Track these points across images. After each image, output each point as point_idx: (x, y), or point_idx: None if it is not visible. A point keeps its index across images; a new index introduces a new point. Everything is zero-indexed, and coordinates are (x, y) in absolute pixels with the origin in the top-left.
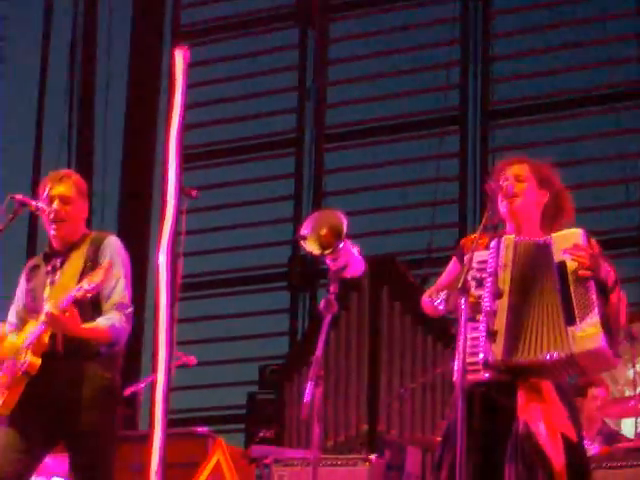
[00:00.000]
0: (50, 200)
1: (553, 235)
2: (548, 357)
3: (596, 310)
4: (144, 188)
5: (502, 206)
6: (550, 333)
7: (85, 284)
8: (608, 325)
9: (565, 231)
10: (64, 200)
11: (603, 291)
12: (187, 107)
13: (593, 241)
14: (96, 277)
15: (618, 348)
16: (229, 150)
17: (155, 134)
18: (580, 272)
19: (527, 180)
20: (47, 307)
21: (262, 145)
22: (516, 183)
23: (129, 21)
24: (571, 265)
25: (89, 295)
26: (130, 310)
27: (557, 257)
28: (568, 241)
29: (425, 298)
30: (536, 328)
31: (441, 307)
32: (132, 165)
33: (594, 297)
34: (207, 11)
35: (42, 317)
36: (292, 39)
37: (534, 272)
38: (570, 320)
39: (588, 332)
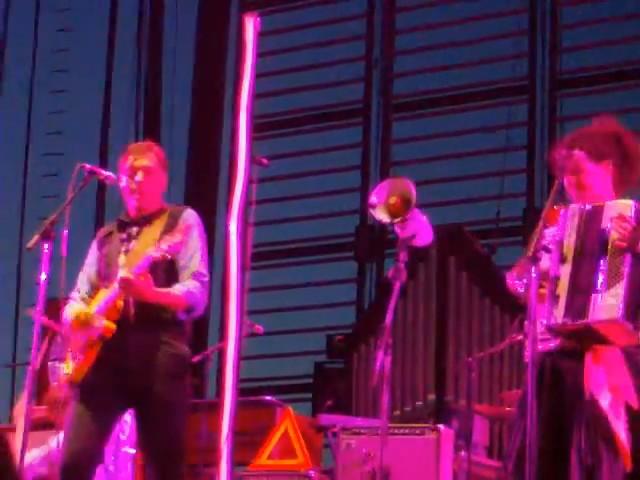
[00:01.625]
0: (133, 171)
1: (607, 202)
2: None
3: (623, 282)
4: (212, 157)
5: (565, 182)
6: (583, 299)
7: (163, 244)
8: (634, 299)
9: (618, 200)
10: (147, 171)
11: None
12: (256, 76)
13: None
14: (175, 238)
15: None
16: (296, 120)
17: (224, 102)
18: (616, 243)
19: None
20: (121, 272)
21: (329, 115)
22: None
23: None
24: (613, 235)
25: (168, 256)
26: (207, 279)
27: (604, 224)
28: (616, 210)
29: (509, 279)
30: (582, 292)
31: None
32: (200, 134)
33: (626, 270)
34: None
35: (115, 283)
36: (359, 8)
37: (590, 238)
38: (598, 288)
39: (608, 302)
